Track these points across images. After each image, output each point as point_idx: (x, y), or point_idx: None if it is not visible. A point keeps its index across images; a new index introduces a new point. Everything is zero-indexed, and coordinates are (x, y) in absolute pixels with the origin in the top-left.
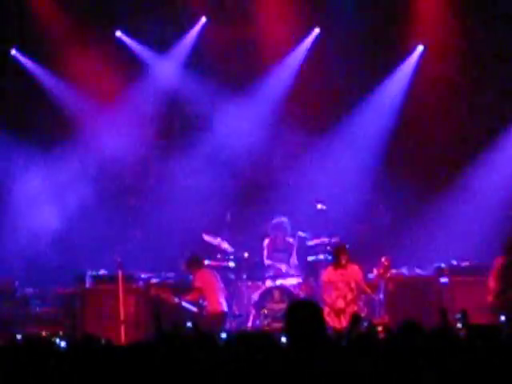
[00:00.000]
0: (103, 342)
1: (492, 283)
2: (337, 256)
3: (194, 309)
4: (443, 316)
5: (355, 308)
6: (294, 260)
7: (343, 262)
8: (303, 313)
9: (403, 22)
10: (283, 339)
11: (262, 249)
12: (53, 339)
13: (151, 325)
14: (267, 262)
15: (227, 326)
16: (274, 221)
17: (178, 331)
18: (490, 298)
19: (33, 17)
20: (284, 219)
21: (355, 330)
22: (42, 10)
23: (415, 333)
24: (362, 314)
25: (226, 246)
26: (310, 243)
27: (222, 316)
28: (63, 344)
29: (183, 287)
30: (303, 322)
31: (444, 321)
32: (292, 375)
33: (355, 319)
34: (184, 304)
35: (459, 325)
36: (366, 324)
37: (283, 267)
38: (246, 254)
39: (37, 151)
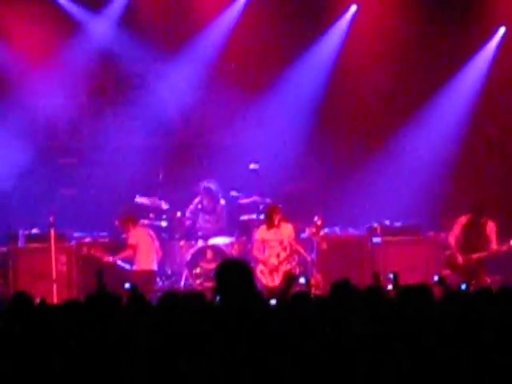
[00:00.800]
0: (36, 300)
1: (452, 241)
2: (270, 215)
3: (128, 266)
4: (376, 279)
5: (288, 266)
6: (222, 223)
7: (276, 221)
8: (233, 272)
9: None
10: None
11: (193, 208)
12: None
13: (87, 284)
14: (189, 221)
15: (159, 285)
16: (202, 185)
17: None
18: (458, 258)
19: None
20: (212, 185)
21: (290, 288)
22: None
23: (347, 292)
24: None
25: (162, 204)
26: (243, 202)
27: (152, 274)
28: None
29: (116, 245)
30: (233, 281)
31: (377, 284)
32: (223, 334)
33: (290, 278)
34: (118, 262)
35: (390, 286)
36: (302, 281)
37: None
38: (178, 214)
39: None
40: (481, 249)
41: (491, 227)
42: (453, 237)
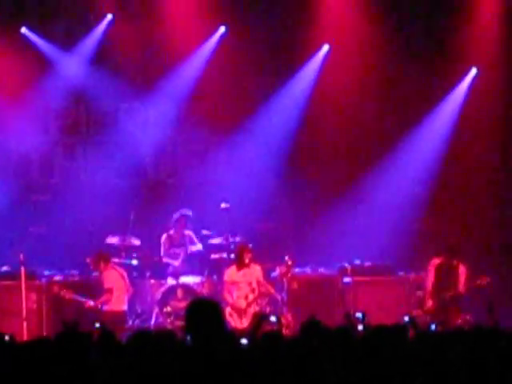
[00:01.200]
0: (6, 337)
1: (429, 285)
2: (240, 255)
3: (91, 302)
4: (348, 320)
5: (256, 308)
6: (188, 251)
7: (246, 261)
8: (203, 311)
9: (309, 22)
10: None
11: (160, 246)
12: None
13: (57, 322)
14: (164, 259)
15: (129, 323)
16: (178, 213)
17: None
18: (428, 302)
19: None
20: (189, 212)
21: (259, 328)
22: None
23: (317, 332)
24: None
25: (134, 241)
26: (214, 241)
27: (123, 314)
28: None
29: (87, 284)
30: (203, 320)
31: (349, 324)
32: (193, 374)
33: (259, 317)
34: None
35: (360, 326)
36: (272, 319)
37: (175, 263)
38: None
39: None
40: (452, 290)
41: (462, 270)
42: (429, 281)
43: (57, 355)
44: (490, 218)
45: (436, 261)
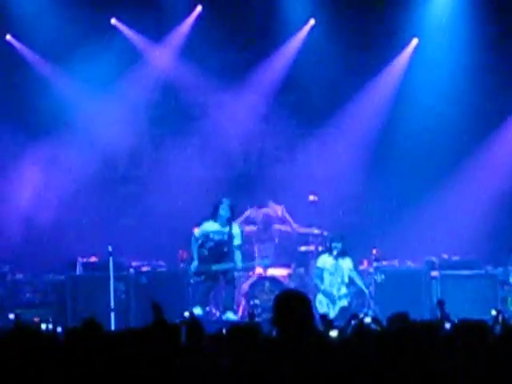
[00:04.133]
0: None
1: None
2: (332, 246)
3: None
4: (441, 308)
5: (345, 302)
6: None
7: (337, 252)
8: (291, 304)
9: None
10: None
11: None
12: (44, 325)
13: (143, 312)
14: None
15: (216, 316)
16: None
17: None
18: None
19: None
20: (275, 206)
21: (349, 328)
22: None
23: (405, 326)
24: (356, 311)
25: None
26: (302, 231)
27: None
28: (59, 329)
29: (174, 275)
30: (291, 313)
31: (442, 312)
32: (279, 367)
33: (351, 318)
34: None
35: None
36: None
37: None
38: None
39: (30, 141)
40: None
41: None
42: None
43: (144, 345)
44: None
45: None
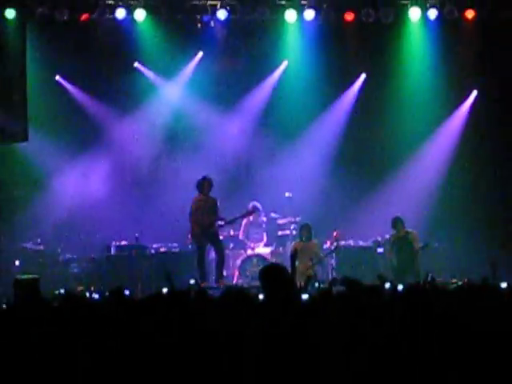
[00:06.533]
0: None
1: None
2: (301, 232)
3: None
4: (380, 279)
5: (311, 272)
6: (264, 235)
7: (305, 237)
8: (274, 273)
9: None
10: (260, 296)
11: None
12: (86, 293)
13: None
14: (242, 237)
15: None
16: (252, 204)
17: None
18: None
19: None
20: (257, 204)
21: (307, 287)
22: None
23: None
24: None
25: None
26: (280, 222)
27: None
28: (96, 296)
29: (185, 255)
30: (274, 280)
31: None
32: (267, 323)
33: (308, 279)
34: None
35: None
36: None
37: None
38: (231, 232)
39: (75, 153)
40: None
41: None
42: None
43: (160, 307)
44: None
45: None
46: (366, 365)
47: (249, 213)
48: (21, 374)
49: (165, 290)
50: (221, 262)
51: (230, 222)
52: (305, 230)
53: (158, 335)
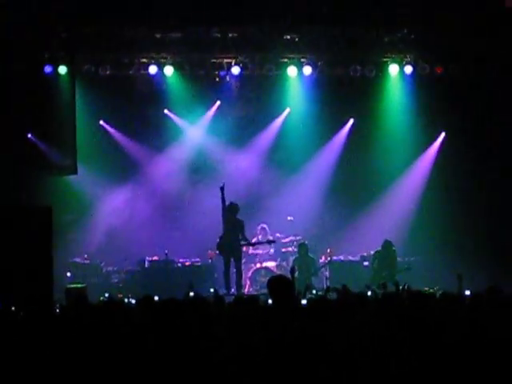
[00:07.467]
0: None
1: None
2: (299, 249)
3: None
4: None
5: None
6: (270, 251)
7: (303, 253)
8: (279, 283)
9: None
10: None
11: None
12: (125, 299)
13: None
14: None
15: (232, 291)
16: (260, 226)
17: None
18: None
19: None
20: (265, 226)
21: (305, 294)
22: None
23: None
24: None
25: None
26: (284, 240)
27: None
28: (133, 301)
29: (206, 268)
30: (280, 289)
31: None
32: (274, 324)
33: (306, 288)
34: None
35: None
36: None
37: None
38: (243, 248)
39: (116, 184)
40: None
41: None
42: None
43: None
44: None
45: None
46: (360, 360)
47: (269, 241)
48: (72, 364)
49: (190, 295)
50: (239, 274)
51: (251, 244)
52: (302, 248)
53: (180, 334)
